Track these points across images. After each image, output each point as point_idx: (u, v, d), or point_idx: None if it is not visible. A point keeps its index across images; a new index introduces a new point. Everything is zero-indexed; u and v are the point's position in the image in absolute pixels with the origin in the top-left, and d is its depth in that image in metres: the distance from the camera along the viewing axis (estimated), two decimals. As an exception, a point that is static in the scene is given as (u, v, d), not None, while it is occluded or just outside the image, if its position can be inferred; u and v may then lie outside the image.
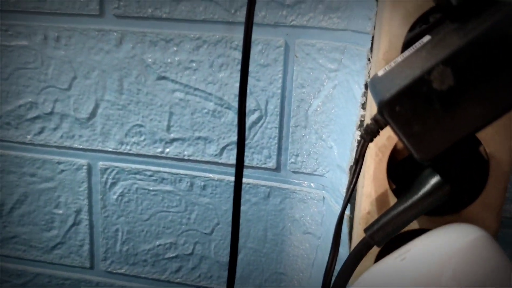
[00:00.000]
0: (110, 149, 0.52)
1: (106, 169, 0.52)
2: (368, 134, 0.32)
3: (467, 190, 0.36)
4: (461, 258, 0.30)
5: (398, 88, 0.28)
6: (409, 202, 0.33)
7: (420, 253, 0.33)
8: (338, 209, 0.45)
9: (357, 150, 0.34)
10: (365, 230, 0.35)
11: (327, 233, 0.48)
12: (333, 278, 0.36)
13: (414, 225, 0.37)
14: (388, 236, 0.34)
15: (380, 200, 0.37)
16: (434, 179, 0.33)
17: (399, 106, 0.28)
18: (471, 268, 0.30)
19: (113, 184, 0.53)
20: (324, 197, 0.48)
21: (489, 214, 0.36)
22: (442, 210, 0.36)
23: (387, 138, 0.35)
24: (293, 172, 0.49)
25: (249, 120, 0.48)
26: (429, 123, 0.28)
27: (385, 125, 0.32)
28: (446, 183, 0.33)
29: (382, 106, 0.28)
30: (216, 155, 0.50)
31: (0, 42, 0.51)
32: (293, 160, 0.48)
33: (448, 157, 0.35)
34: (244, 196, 0.50)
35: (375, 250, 0.37)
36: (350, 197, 0.34)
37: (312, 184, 0.48)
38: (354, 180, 0.34)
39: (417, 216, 0.33)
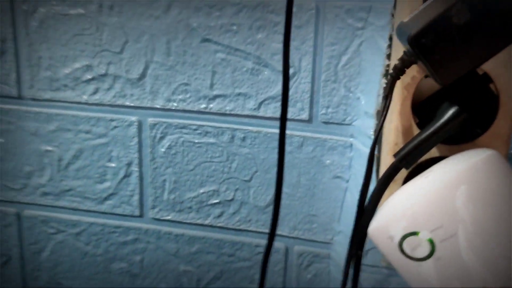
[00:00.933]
0: (158, 106, 0.58)
1: (155, 124, 0.59)
2: (396, 72, 0.39)
3: (479, 122, 0.42)
4: (475, 171, 0.36)
5: (423, 24, 0.33)
6: (431, 129, 0.39)
7: (440, 171, 0.38)
8: (366, 151, 0.51)
9: (385, 89, 0.40)
10: (395, 155, 0.41)
11: (355, 176, 0.54)
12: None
13: (435, 153, 0.42)
14: (414, 159, 0.40)
15: (406, 132, 0.43)
16: (452, 110, 0.39)
17: (425, 39, 0.33)
18: (483, 179, 0.36)
19: (161, 138, 0.59)
20: (351, 144, 0.54)
21: (499, 142, 0.42)
22: (459, 140, 0.42)
23: (411, 77, 0.41)
24: (324, 122, 0.55)
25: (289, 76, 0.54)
26: (449, 52, 0.34)
27: (410, 64, 0.38)
28: (461, 112, 0.38)
29: (411, 40, 0.34)
30: (254, 109, 0.56)
31: (59, 11, 0.57)
32: (324, 111, 0.54)
33: (464, 92, 0.41)
34: (279, 146, 0.56)
35: (402, 176, 0.43)
36: (381, 130, 0.40)
37: (341, 133, 0.54)
38: (385, 113, 0.40)
39: (438, 141, 0.39)
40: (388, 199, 0.41)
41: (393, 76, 0.39)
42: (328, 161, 0.55)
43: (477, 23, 0.33)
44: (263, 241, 0.60)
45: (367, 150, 0.51)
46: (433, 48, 0.34)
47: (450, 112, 0.39)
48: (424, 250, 0.38)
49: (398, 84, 0.42)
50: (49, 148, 0.62)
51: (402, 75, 0.39)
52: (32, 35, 0.59)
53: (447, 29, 0.33)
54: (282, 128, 0.50)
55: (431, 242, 0.37)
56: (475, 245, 0.37)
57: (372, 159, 0.41)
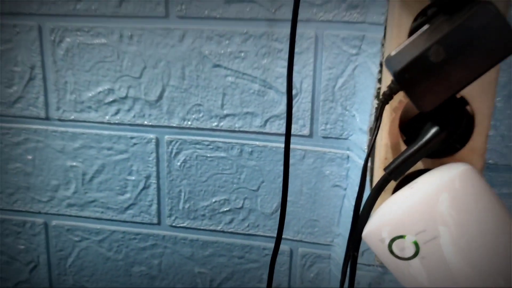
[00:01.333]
0: (174, 125, 0.64)
1: (171, 141, 0.65)
2: (385, 97, 0.45)
3: (458, 139, 0.48)
4: (452, 183, 0.42)
5: (406, 62, 0.40)
6: (416, 146, 0.46)
7: (423, 182, 0.45)
8: (361, 163, 0.58)
9: (376, 111, 0.46)
10: (385, 169, 0.47)
11: (352, 185, 0.60)
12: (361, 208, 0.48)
13: (420, 166, 0.49)
14: (401, 172, 0.46)
15: (395, 148, 0.49)
16: (434, 129, 0.45)
17: (407, 74, 0.40)
18: (459, 190, 0.42)
19: (177, 153, 0.65)
20: (348, 156, 0.60)
21: (476, 156, 0.48)
22: (441, 154, 0.49)
23: (398, 102, 0.48)
24: (323, 137, 0.61)
25: (292, 96, 0.60)
26: (427, 85, 0.40)
27: (397, 91, 0.44)
28: (442, 131, 0.45)
29: (396, 75, 0.41)
30: (261, 126, 0.62)
31: (83, 41, 0.64)
32: (323, 127, 0.61)
33: (444, 113, 0.48)
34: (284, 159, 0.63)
35: (392, 186, 0.50)
36: (373, 145, 0.47)
37: (338, 146, 0.61)
38: (376, 132, 0.47)
39: (422, 156, 0.46)
40: (380, 207, 0.48)
41: (382, 101, 0.46)
42: (327, 172, 0.62)
43: (451, 61, 0.39)
44: (270, 245, 0.66)
45: (362, 162, 0.57)
46: (414, 82, 0.40)
47: (432, 131, 0.46)
48: (410, 251, 0.44)
49: (387, 107, 0.48)
50: (74, 163, 0.68)
51: (390, 100, 0.46)
52: (59, 62, 0.65)
53: (426, 66, 0.40)
54: (287, 143, 0.57)
55: (416, 244, 0.44)
56: (455, 246, 0.43)
57: (365, 171, 0.48)
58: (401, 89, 0.42)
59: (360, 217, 0.48)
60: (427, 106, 0.42)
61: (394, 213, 0.44)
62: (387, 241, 0.44)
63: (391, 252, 0.45)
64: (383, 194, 0.48)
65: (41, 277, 0.74)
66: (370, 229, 0.45)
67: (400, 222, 0.43)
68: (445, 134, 0.45)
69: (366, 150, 0.56)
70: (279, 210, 0.64)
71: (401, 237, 0.44)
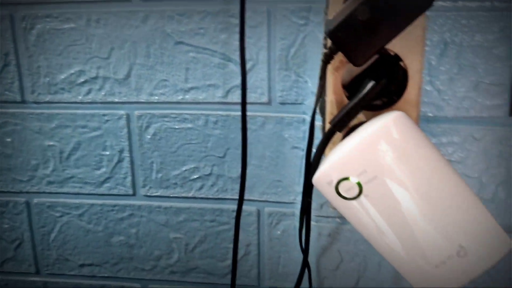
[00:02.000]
0: (143, 100, 0.69)
1: (141, 116, 0.70)
2: (326, 58, 0.51)
3: (394, 91, 0.54)
4: (385, 126, 0.48)
5: (338, 22, 0.46)
6: (355, 100, 0.52)
7: (362, 129, 0.51)
8: (316, 124, 0.63)
9: (320, 72, 0.52)
10: (330, 122, 0.53)
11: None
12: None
13: (363, 118, 0.55)
14: (344, 123, 0.52)
15: (339, 104, 0.55)
16: (370, 83, 0.51)
17: (340, 33, 0.46)
18: (392, 132, 0.48)
19: (147, 127, 0.70)
20: (304, 119, 0.66)
21: (410, 107, 0.54)
22: (379, 107, 0.55)
23: (339, 61, 0.54)
24: (281, 103, 0.67)
25: (246, 67, 0.66)
26: (358, 41, 0.46)
27: (336, 51, 0.50)
28: (377, 84, 0.51)
29: (329, 34, 0.46)
30: (223, 96, 0.68)
31: (53, 26, 0.68)
32: (280, 94, 0.66)
33: (381, 70, 0.54)
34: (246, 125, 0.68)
35: (340, 137, 0.55)
36: (318, 101, 0.53)
37: (295, 111, 0.66)
38: (320, 90, 0.52)
39: (361, 108, 0.52)
40: (327, 156, 0.53)
41: (324, 61, 0.51)
42: (286, 135, 0.67)
43: (376, 18, 0.45)
44: (242, 206, 0.71)
45: (317, 123, 0.63)
46: (346, 40, 0.46)
47: (369, 85, 0.51)
48: (354, 191, 0.50)
49: (330, 68, 0.54)
50: (52, 143, 0.73)
51: (331, 60, 0.51)
52: (31, 48, 0.69)
53: (354, 25, 0.45)
54: (243, 111, 0.62)
55: (359, 184, 0.50)
56: (393, 184, 0.49)
57: (313, 126, 0.54)
58: (336, 47, 0.47)
59: (312, 165, 0.54)
60: (360, 60, 0.47)
61: (337, 158, 0.50)
62: (334, 184, 0.50)
63: (339, 193, 0.50)
64: (332, 146, 0.54)
65: (26, 253, 0.79)
66: (318, 175, 0.51)
67: (342, 165, 0.49)
68: (380, 87, 0.51)
69: (317, 111, 0.62)
70: (245, 174, 0.70)
71: (346, 179, 0.50)
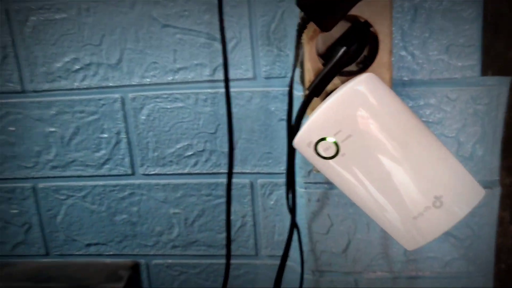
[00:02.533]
0: (135, 83, 0.73)
1: (134, 98, 0.74)
2: (300, 27, 0.54)
3: (366, 56, 0.58)
4: (355, 86, 0.51)
5: (305, -10, 0.49)
6: (330, 65, 0.55)
7: (336, 91, 0.54)
8: (299, 94, 0.67)
9: (296, 40, 0.55)
10: (307, 88, 0.56)
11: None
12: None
13: (339, 84, 0.58)
14: (320, 88, 0.55)
15: (316, 72, 0.58)
16: (342, 48, 0.54)
17: (306, 0, 0.49)
18: (361, 91, 0.51)
19: (141, 108, 0.74)
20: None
21: (383, 70, 0.58)
22: (354, 72, 0.58)
23: (313, 31, 0.57)
24: (265, 78, 0.70)
25: (230, 46, 0.69)
26: (325, 8, 0.49)
27: (308, 21, 0.53)
28: (348, 49, 0.54)
29: (297, 2, 0.49)
30: (210, 75, 0.71)
31: (46, 17, 0.72)
32: (264, 69, 0.70)
33: (352, 37, 0.57)
34: (234, 102, 0.71)
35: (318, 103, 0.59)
36: (295, 69, 0.56)
37: (279, 84, 0.70)
38: (296, 58, 0.56)
39: (335, 72, 0.55)
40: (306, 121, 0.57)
41: (298, 31, 0.55)
42: (273, 108, 0.71)
43: (339, -15, 0.48)
44: (233, 180, 0.75)
45: (300, 94, 0.66)
46: (313, 8, 0.49)
47: (341, 50, 0.55)
48: (332, 150, 0.53)
49: (305, 37, 0.57)
50: (52, 129, 0.77)
51: (304, 29, 0.55)
52: (27, 39, 0.73)
53: (320, -9, 0.49)
54: (227, 87, 0.66)
55: (335, 143, 0.53)
56: (367, 141, 0.52)
57: (292, 93, 0.57)
58: (305, 15, 0.51)
59: (293, 129, 0.57)
60: (328, 26, 0.51)
61: (313, 120, 0.53)
62: (312, 145, 0.54)
63: (318, 154, 0.54)
64: (311, 112, 0.58)
65: (35, 236, 0.83)
66: (297, 137, 0.55)
67: (318, 126, 0.53)
68: (351, 51, 0.54)
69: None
70: (236, 148, 0.73)
71: (323, 139, 0.53)
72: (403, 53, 0.63)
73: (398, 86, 0.64)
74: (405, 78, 0.64)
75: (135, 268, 0.38)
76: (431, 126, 0.65)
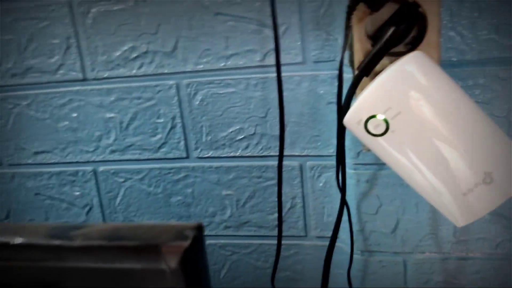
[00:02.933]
0: (189, 70, 0.76)
1: (188, 84, 0.77)
2: (349, 9, 0.56)
3: (416, 36, 0.59)
4: (405, 64, 0.53)
5: (355, -29, 0.51)
6: (378, 45, 0.56)
7: (385, 70, 0.55)
8: (348, 77, 0.68)
9: (345, 22, 0.57)
10: (357, 68, 0.58)
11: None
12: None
13: (388, 64, 0.59)
14: (369, 68, 0.57)
15: (365, 53, 0.60)
16: (391, 29, 0.56)
17: (357, -19, 0.51)
18: (410, 69, 0.53)
19: (195, 94, 0.77)
20: (337, 75, 0.71)
21: (431, 49, 0.58)
22: (403, 53, 0.59)
23: (362, 12, 0.58)
24: (314, 62, 0.72)
25: (280, 31, 0.71)
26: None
27: (357, 3, 0.55)
28: (397, 29, 0.55)
29: (348, -17, 0.51)
30: (261, 60, 0.74)
31: (106, 9, 0.76)
32: (313, 53, 0.72)
33: (401, 17, 0.58)
34: (284, 86, 0.74)
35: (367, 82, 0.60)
36: (345, 50, 0.58)
37: (328, 67, 0.71)
38: (346, 39, 0.57)
39: (384, 52, 0.56)
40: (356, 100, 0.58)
41: (348, 11, 0.56)
42: (321, 91, 0.73)
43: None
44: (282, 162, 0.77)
45: (349, 76, 0.68)
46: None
47: (390, 30, 0.56)
48: (382, 127, 0.55)
49: (354, 19, 0.59)
50: (112, 115, 0.82)
51: (354, 11, 0.56)
52: (89, 30, 0.78)
53: (370, -28, 0.50)
54: (278, 71, 0.68)
55: (386, 120, 0.54)
56: (417, 117, 0.53)
57: (341, 73, 0.59)
58: (357, -3, 0.52)
59: (342, 109, 0.59)
60: (377, 5, 0.52)
61: (363, 98, 0.55)
62: (362, 122, 0.55)
63: (368, 131, 0.55)
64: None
65: (96, 217, 0.88)
66: (348, 116, 0.56)
67: (368, 103, 0.54)
68: (400, 31, 0.56)
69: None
70: (286, 131, 0.76)
71: (373, 116, 0.55)
72: (452, 33, 0.64)
73: (447, 67, 0.65)
74: (454, 59, 0.65)
75: (199, 228, 0.41)
76: (481, 106, 0.65)
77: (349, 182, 0.73)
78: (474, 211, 0.56)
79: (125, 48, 0.78)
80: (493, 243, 0.71)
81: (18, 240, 0.40)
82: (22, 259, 0.39)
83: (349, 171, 0.72)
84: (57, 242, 0.40)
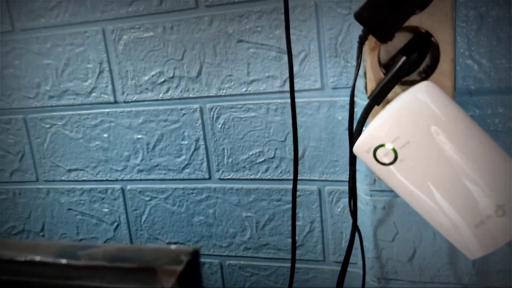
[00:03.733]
0: (212, 94, 0.79)
1: (212, 108, 0.80)
2: (361, 39, 0.57)
3: (428, 66, 0.59)
4: (416, 94, 0.53)
5: (362, 3, 0.52)
6: (390, 74, 0.57)
7: (396, 99, 0.56)
8: (364, 104, 0.69)
9: (357, 52, 0.58)
10: (368, 97, 0.59)
11: (360, 125, 0.71)
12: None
13: (401, 92, 0.60)
14: (381, 97, 0.58)
15: (377, 81, 0.61)
16: (403, 58, 0.56)
17: (364, 13, 0.52)
18: (418, 99, 0.53)
19: (217, 117, 0.80)
20: (355, 102, 0.72)
21: (445, 78, 0.58)
22: (416, 82, 0.59)
23: (375, 42, 0.59)
24: (332, 88, 0.73)
25: (299, 58, 0.73)
26: (382, 19, 0.52)
27: (369, 33, 0.56)
28: (409, 59, 0.56)
29: (356, 16, 0.52)
30: (280, 86, 0.75)
31: (136, 36, 0.80)
32: (331, 80, 0.73)
33: (414, 46, 0.58)
34: (303, 111, 0.75)
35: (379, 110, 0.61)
36: (356, 79, 0.59)
37: (346, 94, 0.72)
38: (357, 68, 0.58)
39: (395, 81, 0.57)
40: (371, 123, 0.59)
41: (359, 42, 0.57)
42: (340, 117, 0.74)
43: (396, -3, 0.51)
44: (301, 186, 0.78)
45: (364, 103, 0.68)
46: (371, 19, 0.52)
47: (401, 60, 0.57)
48: (391, 156, 0.55)
49: (367, 48, 0.60)
50: (140, 136, 0.85)
51: (365, 41, 0.57)
52: (120, 56, 0.82)
53: (377, 4, 0.51)
54: (292, 98, 0.69)
55: (394, 150, 0.55)
56: (424, 146, 0.53)
57: (353, 101, 0.60)
58: (364, 27, 0.53)
59: (354, 137, 0.60)
60: (386, 37, 0.53)
61: (372, 127, 0.55)
62: (371, 151, 0.56)
63: (376, 160, 0.56)
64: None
65: (123, 233, 0.92)
66: (357, 144, 0.57)
67: (377, 132, 0.55)
68: (411, 61, 0.56)
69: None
70: (305, 155, 0.77)
71: (382, 145, 0.55)
72: (469, 61, 0.63)
73: (465, 95, 0.64)
74: (472, 87, 0.64)
75: (194, 254, 0.43)
76: (499, 135, 0.64)
77: (366, 208, 0.73)
78: (486, 244, 0.55)
79: (153, 73, 0.81)
80: (515, 276, 0.69)
81: (25, 257, 0.43)
82: (28, 275, 0.42)
83: (365, 197, 0.72)
84: (63, 260, 0.43)
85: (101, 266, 0.42)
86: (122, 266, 0.42)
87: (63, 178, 0.93)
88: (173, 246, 0.44)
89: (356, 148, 0.57)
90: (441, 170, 0.54)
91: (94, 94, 0.86)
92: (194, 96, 0.80)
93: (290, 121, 0.76)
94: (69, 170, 0.92)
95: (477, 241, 0.55)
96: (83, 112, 0.87)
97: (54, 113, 0.89)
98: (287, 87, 0.75)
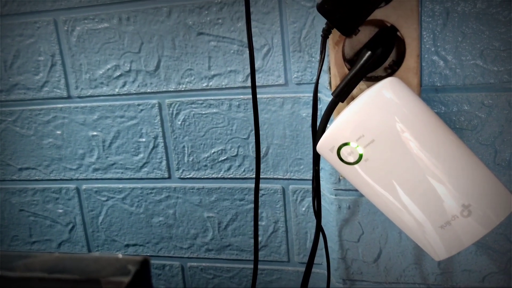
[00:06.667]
0: (172, 89, 0.75)
1: (171, 104, 0.76)
2: (324, 33, 0.54)
3: (394, 61, 0.57)
4: (380, 91, 0.51)
5: (326, -5, 0.49)
6: (354, 70, 0.55)
7: (360, 96, 0.53)
8: (329, 100, 0.66)
9: (321, 46, 0.55)
10: (332, 93, 0.56)
11: (325, 122, 0.69)
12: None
13: (366, 89, 0.58)
14: (345, 94, 0.55)
15: (341, 77, 0.58)
16: (367, 53, 0.54)
17: (326, 5, 0.49)
18: (383, 95, 0.51)
19: (177, 114, 0.76)
20: (319, 97, 0.69)
21: (410, 74, 0.57)
22: (382, 78, 0.57)
23: (339, 36, 0.57)
24: (297, 84, 0.70)
25: (262, 52, 0.70)
26: (345, 12, 0.49)
27: (332, 27, 0.53)
28: (373, 54, 0.54)
29: (318, 8, 0.50)
30: (243, 81, 0.72)
31: (90, 27, 0.76)
32: (295, 75, 0.70)
33: (380, 41, 0.56)
34: (266, 107, 0.72)
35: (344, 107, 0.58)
36: (320, 74, 0.56)
37: (310, 90, 0.70)
38: (321, 63, 0.56)
39: (360, 77, 0.54)
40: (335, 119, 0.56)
41: (323, 36, 0.55)
42: (304, 114, 0.71)
43: (360, -11, 0.48)
44: (265, 185, 0.76)
45: (328, 99, 0.66)
46: (333, 12, 0.49)
47: (366, 55, 0.54)
48: (355, 155, 0.53)
49: (331, 42, 0.57)
50: (95, 133, 0.81)
51: (329, 35, 0.55)
52: (73, 48, 0.77)
53: (340, -4, 0.49)
54: (254, 94, 0.66)
55: (358, 148, 0.52)
56: (390, 145, 0.51)
57: (316, 97, 0.57)
58: (327, 19, 0.51)
59: (317, 135, 0.57)
60: (350, 30, 0.50)
61: (336, 124, 0.53)
62: (335, 150, 0.53)
63: (340, 159, 0.53)
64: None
65: (79, 235, 0.87)
66: (321, 142, 0.54)
67: (341, 131, 0.52)
68: (376, 56, 0.54)
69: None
70: (268, 153, 0.74)
71: (346, 144, 0.53)
72: (435, 58, 0.62)
73: (431, 92, 0.63)
74: (438, 84, 0.62)
75: (143, 263, 0.40)
76: (466, 133, 0.63)
77: (330, 208, 0.71)
78: (452, 245, 0.54)
79: (109, 66, 0.77)
80: (479, 275, 0.68)
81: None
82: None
83: (330, 196, 0.70)
84: (-4, 272, 0.39)
85: (38, 277, 0.38)
86: (62, 278, 0.38)
87: (14, 177, 0.87)
88: (120, 255, 0.41)
89: (320, 146, 0.55)
90: (406, 168, 0.52)
91: (46, 89, 0.81)
92: (152, 91, 0.76)
93: (253, 117, 0.73)
94: (20, 169, 0.86)
95: (442, 242, 0.54)
96: (34, 107, 0.82)
97: (3, 109, 0.84)
98: (249, 82, 0.72)
